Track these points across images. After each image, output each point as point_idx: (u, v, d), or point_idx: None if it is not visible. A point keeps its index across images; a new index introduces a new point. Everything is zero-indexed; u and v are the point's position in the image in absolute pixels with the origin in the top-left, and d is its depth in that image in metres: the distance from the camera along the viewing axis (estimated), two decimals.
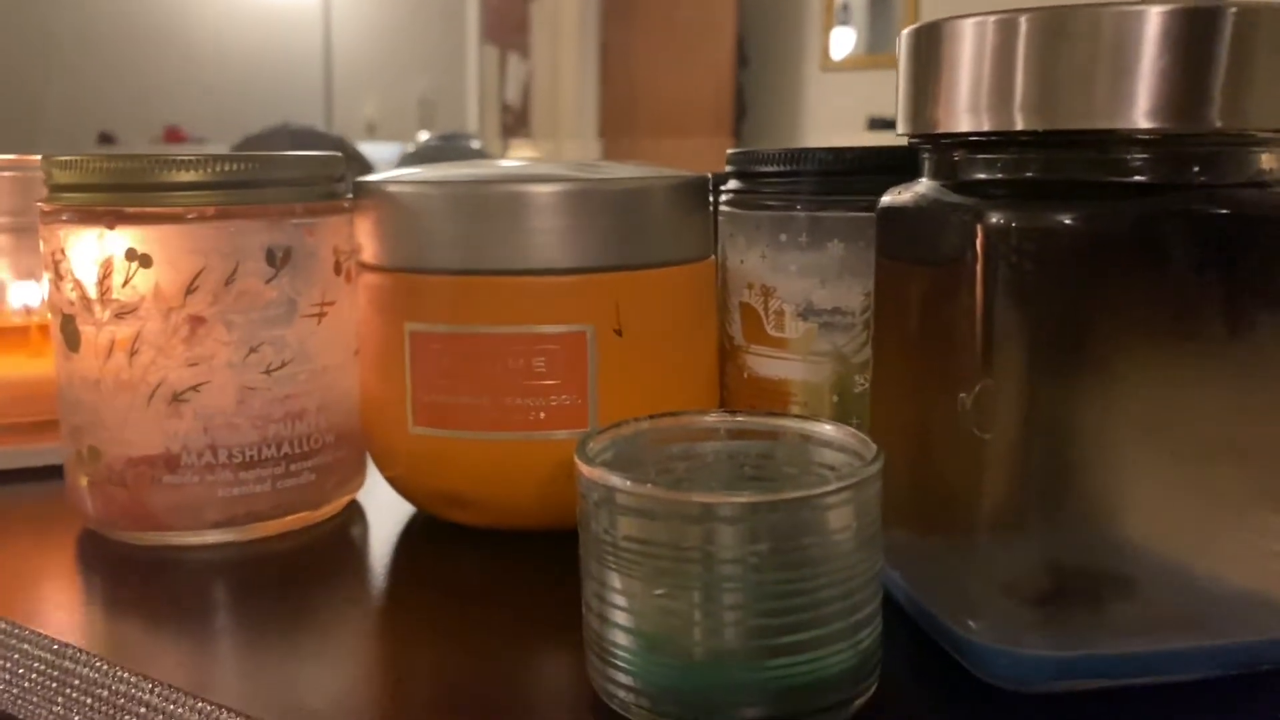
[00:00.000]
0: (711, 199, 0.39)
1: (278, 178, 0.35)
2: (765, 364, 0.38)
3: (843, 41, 3.49)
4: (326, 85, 2.64)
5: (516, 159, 0.41)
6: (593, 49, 3.75)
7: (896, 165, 0.33)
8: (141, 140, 2.34)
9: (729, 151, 0.39)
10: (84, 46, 2.05)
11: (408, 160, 0.96)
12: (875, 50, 3.43)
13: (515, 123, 3.78)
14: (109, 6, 2.12)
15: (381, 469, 0.38)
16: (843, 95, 3.46)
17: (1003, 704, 0.26)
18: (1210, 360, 0.25)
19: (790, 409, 0.37)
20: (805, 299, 0.36)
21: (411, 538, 0.37)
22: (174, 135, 2.32)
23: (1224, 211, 0.25)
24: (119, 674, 0.28)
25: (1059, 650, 0.25)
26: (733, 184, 0.39)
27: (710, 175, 0.39)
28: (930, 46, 0.27)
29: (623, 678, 0.25)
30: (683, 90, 3.60)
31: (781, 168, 0.36)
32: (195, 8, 2.33)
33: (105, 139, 2.29)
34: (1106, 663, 0.26)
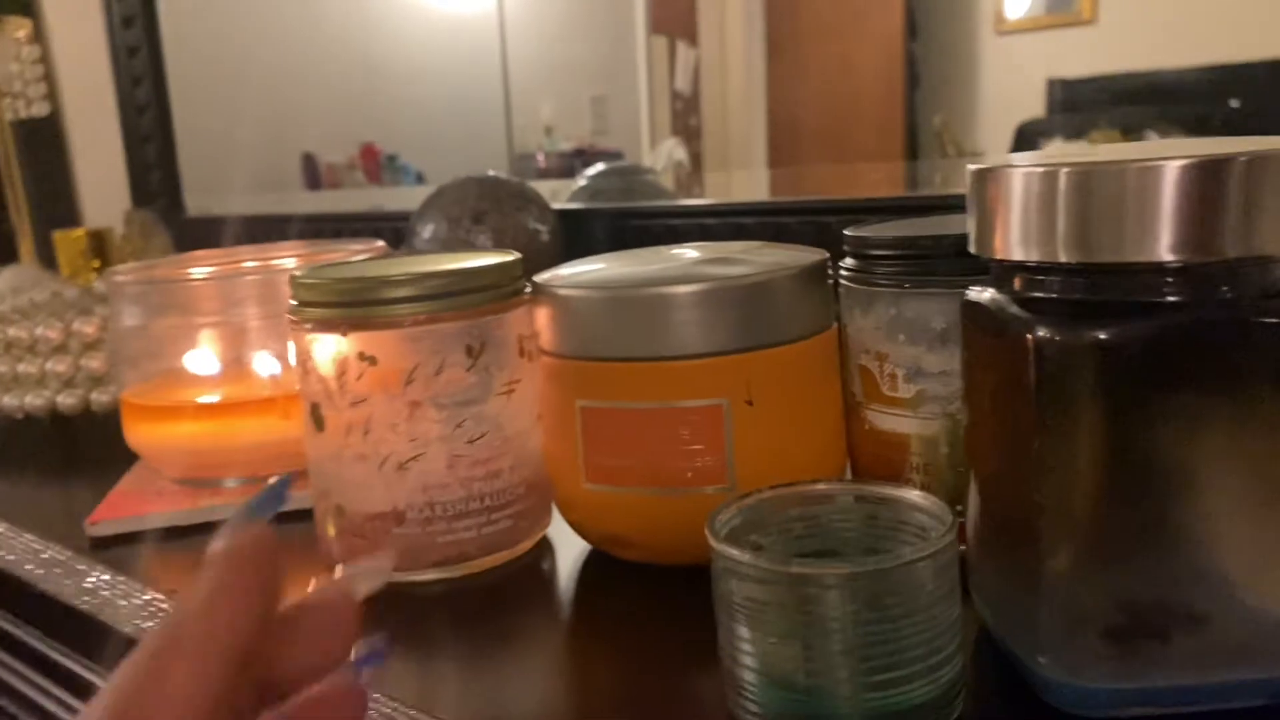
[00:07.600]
0: (834, 269, 0.45)
1: (474, 286, 0.43)
2: (884, 419, 0.43)
3: (1018, 1, 3.39)
4: (505, 93, 2.76)
5: (668, 251, 0.48)
6: (759, 28, 3.77)
7: None
8: (340, 158, 2.52)
9: (846, 233, 0.45)
10: (283, 72, 2.23)
11: (577, 195, 1.05)
12: (1055, 9, 3.32)
13: (685, 109, 3.85)
14: (306, 33, 2.29)
15: (563, 514, 0.46)
16: (1019, 58, 3.34)
17: None
18: (1250, 421, 0.29)
19: (909, 458, 0.43)
20: (915, 364, 0.42)
21: (588, 571, 0.45)
22: (369, 152, 2.48)
23: (1249, 319, 0.29)
24: None
25: (1119, 683, 0.31)
26: (849, 262, 0.45)
27: (828, 256, 0.45)
28: (992, 187, 0.32)
29: (750, 705, 0.31)
30: (853, 63, 3.58)
31: (890, 252, 0.42)
32: (382, 30, 2.48)
33: (308, 159, 2.47)
34: (1166, 694, 0.31)
